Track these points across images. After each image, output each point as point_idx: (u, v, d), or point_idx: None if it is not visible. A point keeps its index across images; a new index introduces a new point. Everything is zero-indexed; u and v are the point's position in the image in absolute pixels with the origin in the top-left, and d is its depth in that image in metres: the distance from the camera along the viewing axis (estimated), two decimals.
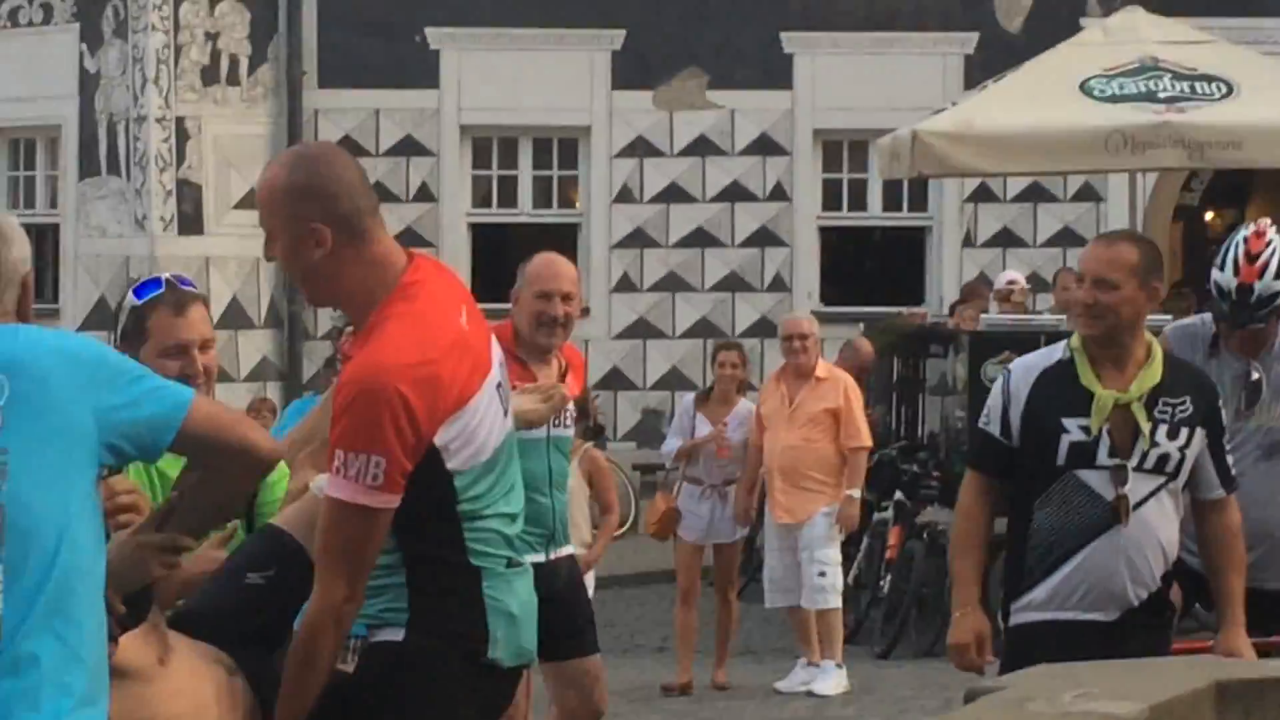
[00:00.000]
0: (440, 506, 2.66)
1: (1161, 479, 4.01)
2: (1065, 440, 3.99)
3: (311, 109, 12.32)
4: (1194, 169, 11.58)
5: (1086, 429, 3.97)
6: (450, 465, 2.59)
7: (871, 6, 12.68)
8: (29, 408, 2.19)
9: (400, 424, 2.50)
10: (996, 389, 4.27)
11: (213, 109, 12.13)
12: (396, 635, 2.66)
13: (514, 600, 2.84)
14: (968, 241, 12.63)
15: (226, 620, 2.79)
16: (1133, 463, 3.99)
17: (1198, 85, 10.01)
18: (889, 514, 9.83)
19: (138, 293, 3.26)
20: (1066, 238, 12.29)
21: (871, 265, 13.65)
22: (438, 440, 2.56)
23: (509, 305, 5.27)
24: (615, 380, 11.92)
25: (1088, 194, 12.42)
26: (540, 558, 5.19)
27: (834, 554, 8.53)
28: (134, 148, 12.10)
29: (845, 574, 9.21)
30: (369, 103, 12.44)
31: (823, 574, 8.44)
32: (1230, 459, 4.17)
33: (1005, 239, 12.68)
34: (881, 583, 9.79)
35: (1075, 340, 4.09)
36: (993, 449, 4.16)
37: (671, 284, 12.15)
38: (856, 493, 8.60)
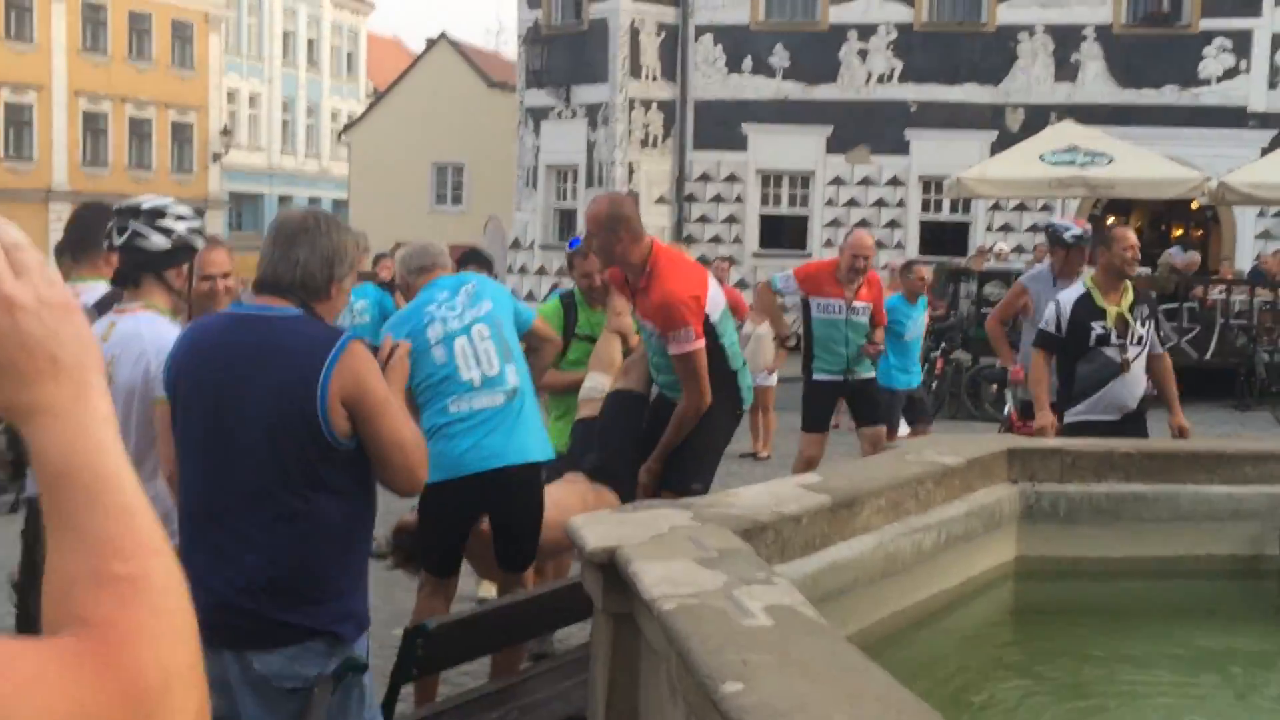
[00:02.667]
0: (713, 341, 4.71)
1: (1140, 348, 6.14)
2: (1094, 333, 6.11)
3: (689, 160, 23.40)
4: (1096, 198, 19.64)
5: (1105, 326, 6.11)
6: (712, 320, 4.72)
7: (949, 117, 22.48)
8: (498, 302, 4.50)
9: (694, 309, 4.58)
10: (1051, 309, 6.38)
11: (643, 156, 23.40)
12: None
13: (749, 382, 5.08)
14: (989, 229, 22.53)
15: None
16: (1128, 341, 6.10)
17: (1095, 158, 16.28)
18: (938, 352, 14.70)
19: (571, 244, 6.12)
20: (1036, 229, 21.39)
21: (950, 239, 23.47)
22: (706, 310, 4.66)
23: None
24: None
25: (1046, 208, 21.22)
26: (840, 379, 7.90)
27: None
28: (608, 173, 23.10)
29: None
30: (714, 159, 23.16)
31: None
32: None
33: (1004, 227, 22.41)
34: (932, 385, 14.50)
35: (1088, 280, 6.23)
36: (1048, 337, 6.35)
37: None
38: None
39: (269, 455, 2.80)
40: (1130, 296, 6.26)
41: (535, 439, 4.44)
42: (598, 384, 4.98)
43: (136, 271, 3.42)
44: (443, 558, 4.45)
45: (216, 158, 41.06)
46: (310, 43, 47.10)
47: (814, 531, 3.43)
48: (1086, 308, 6.27)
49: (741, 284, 18.47)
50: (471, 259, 5.51)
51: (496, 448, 4.29)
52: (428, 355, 4.28)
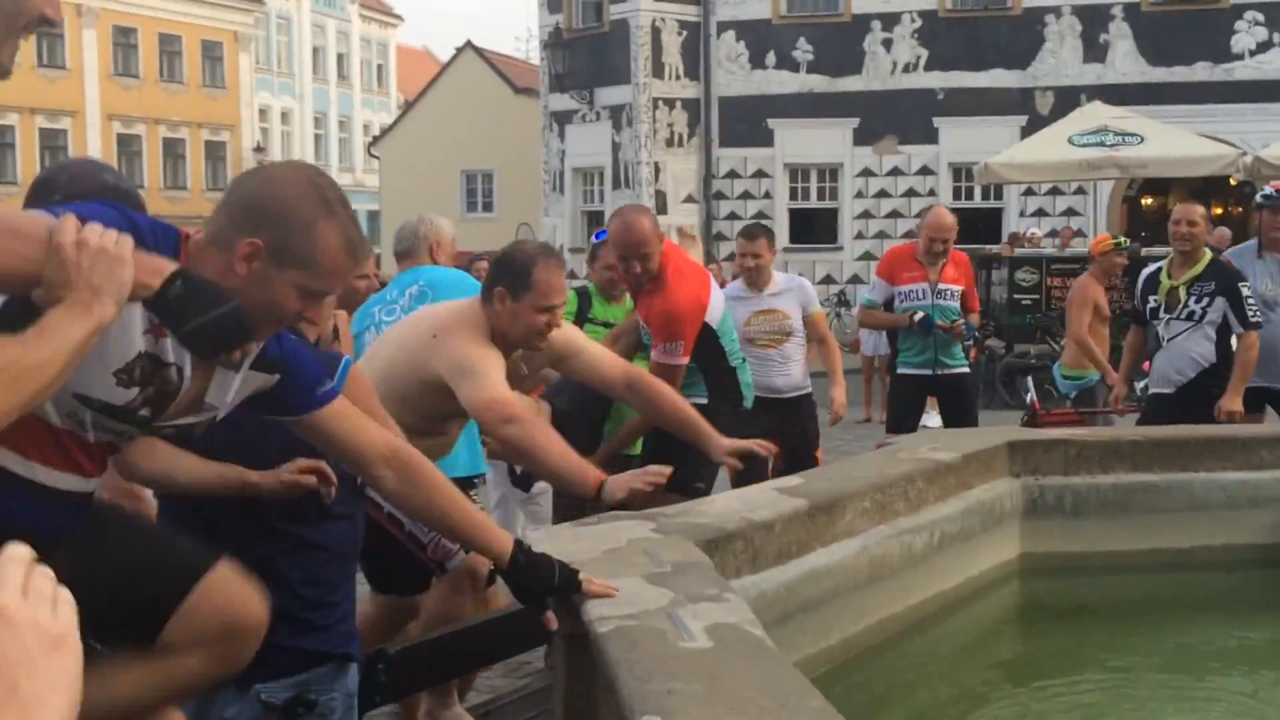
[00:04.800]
0: (713, 344, 4.75)
1: (1188, 324, 6.23)
2: (1149, 306, 6.43)
3: (716, 158, 23.36)
4: (1129, 178, 18.99)
5: (1157, 300, 6.36)
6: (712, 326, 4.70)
7: (977, 104, 22.18)
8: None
9: (693, 324, 4.61)
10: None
11: (668, 156, 23.43)
12: (703, 400, 4.70)
13: (748, 379, 5.03)
14: (1022, 214, 22.38)
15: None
16: (1174, 316, 6.23)
17: (1125, 138, 15.87)
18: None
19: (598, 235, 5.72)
20: (1071, 213, 21.84)
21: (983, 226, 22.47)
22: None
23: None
24: None
25: (1079, 190, 21.34)
26: (929, 372, 7.02)
27: None
28: (634, 174, 23.35)
29: None
30: (740, 155, 23.21)
31: None
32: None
33: (1038, 212, 22.04)
34: None
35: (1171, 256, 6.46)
36: (1131, 309, 6.96)
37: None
38: None
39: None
40: (1197, 271, 6.26)
41: (461, 454, 4.22)
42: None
43: None
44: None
45: None
46: (340, 57, 47.28)
47: (789, 538, 3.26)
48: (1151, 282, 6.47)
49: None
50: None
51: None
52: None
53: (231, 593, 2.34)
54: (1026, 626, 4.35)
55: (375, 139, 37.87)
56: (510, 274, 3.52)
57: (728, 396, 4.87)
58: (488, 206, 32.42)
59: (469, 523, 2.57)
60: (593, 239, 5.78)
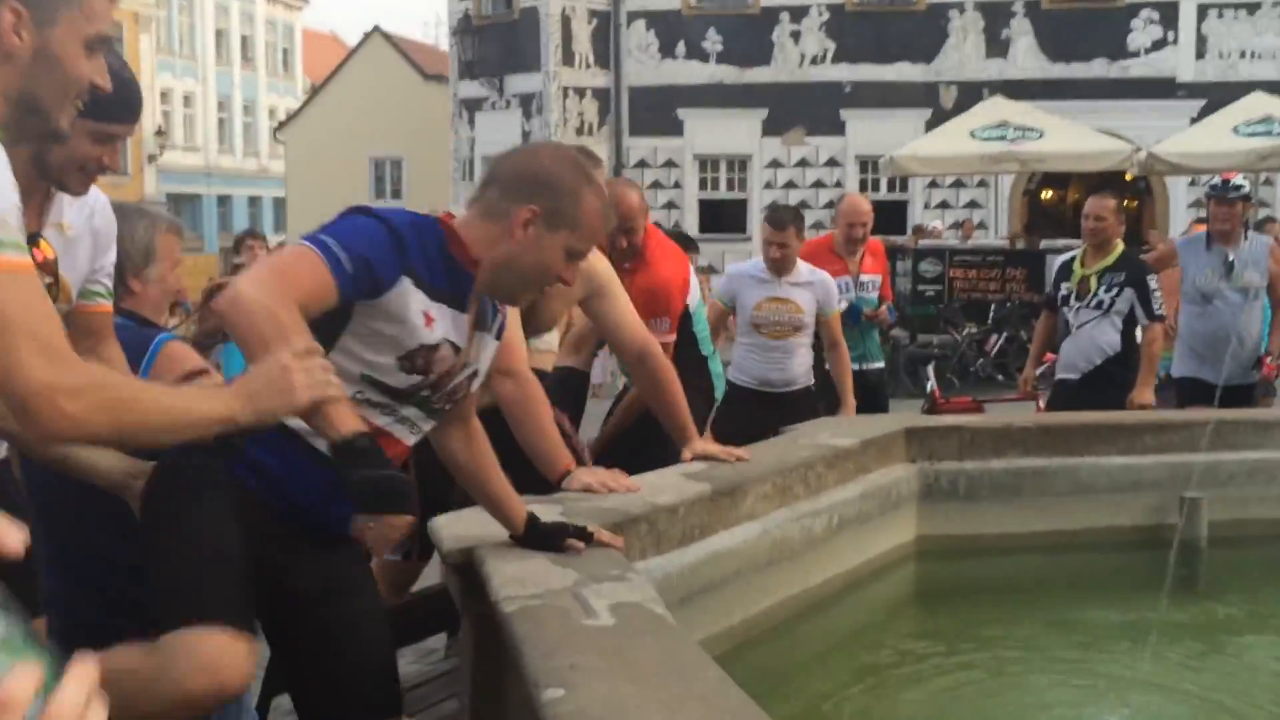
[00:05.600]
0: (686, 328, 4.78)
1: (1096, 313, 6.41)
2: (1060, 293, 6.62)
3: (626, 147, 23.44)
4: (1029, 172, 19.57)
5: (1068, 288, 6.53)
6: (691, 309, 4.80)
7: (883, 97, 22.46)
8: None
9: (678, 298, 4.65)
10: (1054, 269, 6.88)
11: (579, 144, 23.52)
12: None
13: (719, 370, 5.07)
14: (926, 206, 23.18)
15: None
16: (1082, 305, 6.40)
17: (1025, 133, 15.95)
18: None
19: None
20: (973, 205, 22.59)
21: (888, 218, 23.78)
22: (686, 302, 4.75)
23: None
24: None
25: (982, 184, 22.26)
26: (857, 366, 6.55)
27: None
28: None
29: None
30: (650, 145, 23.17)
31: None
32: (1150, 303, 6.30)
33: (942, 204, 22.52)
34: None
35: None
36: (1048, 296, 6.96)
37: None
38: None
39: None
40: (1108, 261, 6.45)
41: None
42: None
43: None
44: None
45: (152, 159, 40.41)
46: (244, 39, 46.47)
47: (692, 522, 3.35)
48: (1064, 269, 6.66)
49: None
50: None
51: None
52: None
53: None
54: (922, 606, 4.49)
55: (281, 124, 37.32)
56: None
57: (697, 384, 4.66)
58: (396, 194, 32.13)
59: (495, 492, 2.74)
60: None
